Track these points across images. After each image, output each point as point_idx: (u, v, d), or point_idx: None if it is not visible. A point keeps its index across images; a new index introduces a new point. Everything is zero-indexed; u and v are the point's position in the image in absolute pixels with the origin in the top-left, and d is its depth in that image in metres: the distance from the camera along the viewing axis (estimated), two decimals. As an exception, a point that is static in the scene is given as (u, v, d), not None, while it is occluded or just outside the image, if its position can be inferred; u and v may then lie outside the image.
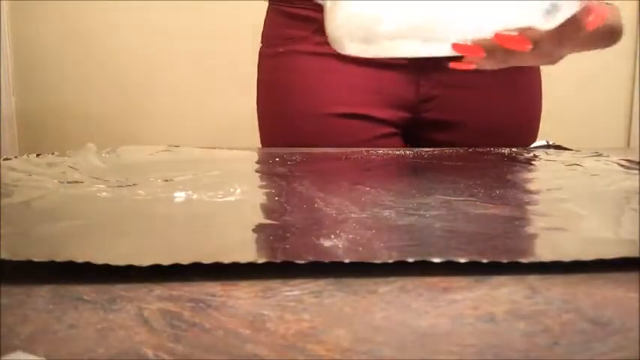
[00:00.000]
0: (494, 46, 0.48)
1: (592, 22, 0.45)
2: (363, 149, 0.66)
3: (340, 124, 0.72)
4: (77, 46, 1.80)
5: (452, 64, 0.51)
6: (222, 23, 1.77)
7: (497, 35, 0.46)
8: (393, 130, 0.74)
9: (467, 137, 0.74)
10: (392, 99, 0.73)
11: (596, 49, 0.48)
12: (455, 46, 0.47)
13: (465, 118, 0.74)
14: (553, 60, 0.53)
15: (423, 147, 0.71)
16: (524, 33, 0.47)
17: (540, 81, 0.79)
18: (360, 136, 0.72)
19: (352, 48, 0.49)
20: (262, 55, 0.78)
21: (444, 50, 0.48)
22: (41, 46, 1.80)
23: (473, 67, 0.51)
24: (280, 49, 0.74)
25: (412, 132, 0.76)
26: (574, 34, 0.47)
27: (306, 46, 0.72)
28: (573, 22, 0.46)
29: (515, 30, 0.47)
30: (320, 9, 0.69)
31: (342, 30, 0.47)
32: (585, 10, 0.46)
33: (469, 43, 0.47)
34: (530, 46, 0.47)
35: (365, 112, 0.72)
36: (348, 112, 0.72)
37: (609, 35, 0.46)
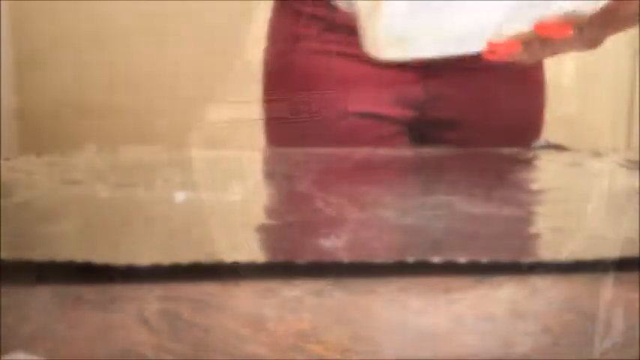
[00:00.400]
0: (531, 39, 0.47)
1: None
2: (364, 149, 0.66)
3: (350, 122, 0.72)
4: (78, 46, 1.80)
5: (485, 55, 0.50)
6: (224, 22, 1.77)
7: (537, 25, 0.46)
8: (401, 128, 0.74)
9: (474, 135, 0.74)
10: (400, 97, 0.73)
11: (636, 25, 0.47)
12: (490, 43, 0.47)
13: (472, 117, 0.74)
14: (594, 44, 0.51)
15: (430, 146, 0.71)
16: (567, 18, 0.46)
17: (545, 77, 0.79)
18: (369, 134, 0.72)
19: (390, 52, 0.48)
20: (268, 54, 0.78)
21: (479, 46, 0.48)
22: (42, 45, 1.80)
23: (507, 58, 0.50)
24: (288, 48, 0.74)
25: (419, 131, 0.76)
26: (619, 13, 0.46)
27: (315, 45, 0.72)
28: (618, 1, 0.44)
29: (556, 17, 0.46)
30: (331, 8, 0.69)
31: (380, 36, 0.47)
32: None
33: (505, 39, 0.47)
34: (570, 32, 0.46)
35: (374, 111, 0.72)
36: (357, 110, 0.72)
37: None
